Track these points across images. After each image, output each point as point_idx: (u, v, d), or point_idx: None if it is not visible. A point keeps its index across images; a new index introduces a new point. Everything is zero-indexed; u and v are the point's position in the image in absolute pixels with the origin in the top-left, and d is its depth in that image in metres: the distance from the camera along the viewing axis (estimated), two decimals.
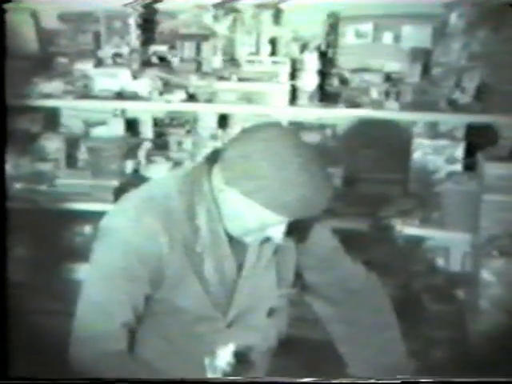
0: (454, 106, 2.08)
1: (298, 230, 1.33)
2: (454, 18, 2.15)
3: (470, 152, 2.15)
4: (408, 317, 2.03)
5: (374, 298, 1.48)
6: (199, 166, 1.32)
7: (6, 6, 1.43)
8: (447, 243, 2.19)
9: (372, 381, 1.37)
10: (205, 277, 1.29)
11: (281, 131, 1.25)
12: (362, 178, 2.25)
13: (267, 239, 1.30)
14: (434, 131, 2.21)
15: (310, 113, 2.22)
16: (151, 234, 1.25)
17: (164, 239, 1.24)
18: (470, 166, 2.13)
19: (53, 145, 2.36)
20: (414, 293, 2.14)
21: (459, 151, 2.16)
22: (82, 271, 2.14)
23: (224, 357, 1.25)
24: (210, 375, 1.24)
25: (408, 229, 2.11)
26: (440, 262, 2.22)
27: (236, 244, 1.31)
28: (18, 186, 2.30)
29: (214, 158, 1.30)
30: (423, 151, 2.19)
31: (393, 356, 1.46)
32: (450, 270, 2.20)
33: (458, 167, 2.15)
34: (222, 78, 2.22)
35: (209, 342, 1.31)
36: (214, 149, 1.36)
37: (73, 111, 2.42)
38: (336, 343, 1.51)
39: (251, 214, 1.22)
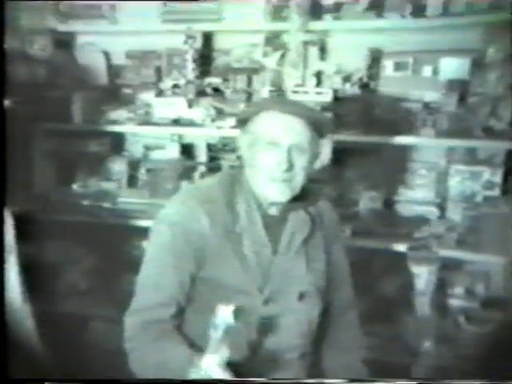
0: (489, 133, 2.14)
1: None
2: (491, 51, 2.25)
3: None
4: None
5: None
6: (235, 167, 1.62)
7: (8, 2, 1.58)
8: (485, 267, 2.22)
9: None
10: (243, 255, 1.46)
11: None
12: (400, 200, 2.35)
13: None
14: (472, 157, 2.29)
15: (352, 139, 2.34)
16: (194, 215, 1.44)
17: (205, 220, 1.44)
18: (508, 190, 2.19)
19: (117, 166, 2.58)
20: (451, 314, 2.19)
21: (497, 177, 2.22)
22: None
23: (223, 316, 1.24)
24: (212, 333, 1.24)
25: (444, 251, 2.15)
26: (479, 285, 2.26)
27: (271, 229, 1.50)
28: (85, 202, 2.53)
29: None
30: (461, 176, 2.27)
31: None
32: (488, 293, 2.23)
33: (496, 192, 2.21)
34: None
35: (247, 320, 1.40)
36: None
37: (135, 136, 2.65)
38: None
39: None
